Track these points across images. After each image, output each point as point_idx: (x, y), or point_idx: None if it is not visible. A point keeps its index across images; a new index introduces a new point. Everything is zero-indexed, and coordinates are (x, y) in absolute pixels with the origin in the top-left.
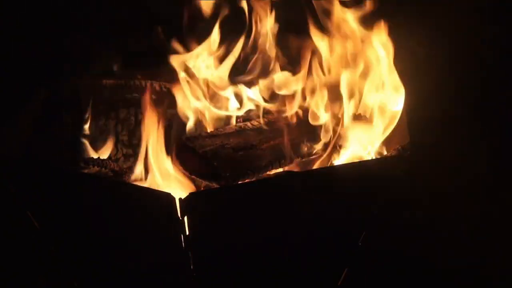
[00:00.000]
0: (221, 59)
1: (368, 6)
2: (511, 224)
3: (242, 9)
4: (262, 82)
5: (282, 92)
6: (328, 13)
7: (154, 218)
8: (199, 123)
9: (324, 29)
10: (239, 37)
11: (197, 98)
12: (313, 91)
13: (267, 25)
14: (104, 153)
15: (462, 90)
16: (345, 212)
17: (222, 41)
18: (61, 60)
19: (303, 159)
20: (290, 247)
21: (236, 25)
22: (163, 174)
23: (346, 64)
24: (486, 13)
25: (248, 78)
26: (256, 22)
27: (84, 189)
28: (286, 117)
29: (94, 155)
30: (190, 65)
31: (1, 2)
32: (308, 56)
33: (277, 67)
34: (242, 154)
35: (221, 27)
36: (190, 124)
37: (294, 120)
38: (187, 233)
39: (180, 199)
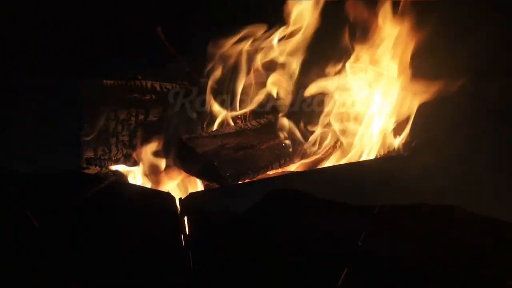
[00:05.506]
0: None
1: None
2: None
3: None
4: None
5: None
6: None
7: (154, 218)
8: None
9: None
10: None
11: None
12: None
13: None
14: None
15: (462, 89)
16: (345, 212)
17: None
18: (62, 60)
19: (303, 159)
20: (290, 247)
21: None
22: None
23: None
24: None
25: None
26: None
27: (84, 189)
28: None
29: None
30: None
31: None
32: None
33: None
34: (242, 154)
35: None
36: None
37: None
38: (187, 233)
39: (180, 199)
